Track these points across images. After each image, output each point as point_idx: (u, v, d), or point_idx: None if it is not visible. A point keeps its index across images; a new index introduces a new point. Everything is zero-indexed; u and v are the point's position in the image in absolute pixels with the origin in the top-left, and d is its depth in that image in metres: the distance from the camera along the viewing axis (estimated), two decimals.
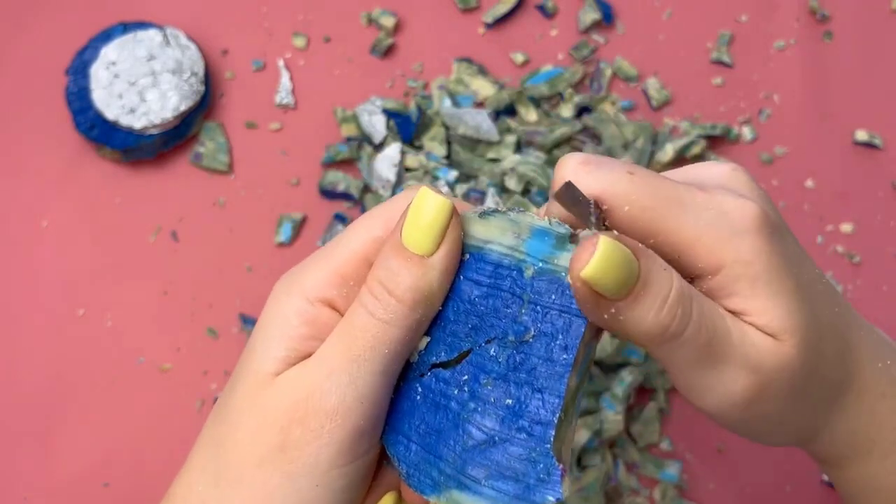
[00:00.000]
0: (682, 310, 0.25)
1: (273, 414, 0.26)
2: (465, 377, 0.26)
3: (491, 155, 0.54)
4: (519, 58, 0.57)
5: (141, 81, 0.52)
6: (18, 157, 0.54)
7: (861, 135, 0.56)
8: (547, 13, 0.58)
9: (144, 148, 0.53)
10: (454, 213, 0.26)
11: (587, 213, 0.25)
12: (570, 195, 0.25)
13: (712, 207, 0.26)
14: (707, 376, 0.27)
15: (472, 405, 0.26)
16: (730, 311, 0.27)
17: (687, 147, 0.55)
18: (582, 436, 0.50)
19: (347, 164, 0.55)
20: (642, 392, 0.52)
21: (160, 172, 0.54)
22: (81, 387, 0.51)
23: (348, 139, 0.55)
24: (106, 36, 0.53)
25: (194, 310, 0.52)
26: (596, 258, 0.23)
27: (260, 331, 0.28)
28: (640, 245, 0.25)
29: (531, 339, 0.26)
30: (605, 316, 0.25)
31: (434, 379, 0.27)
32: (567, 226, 0.26)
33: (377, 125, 0.54)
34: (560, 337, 0.25)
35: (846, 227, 0.55)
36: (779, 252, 0.26)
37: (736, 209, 0.26)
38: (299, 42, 0.57)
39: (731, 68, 0.58)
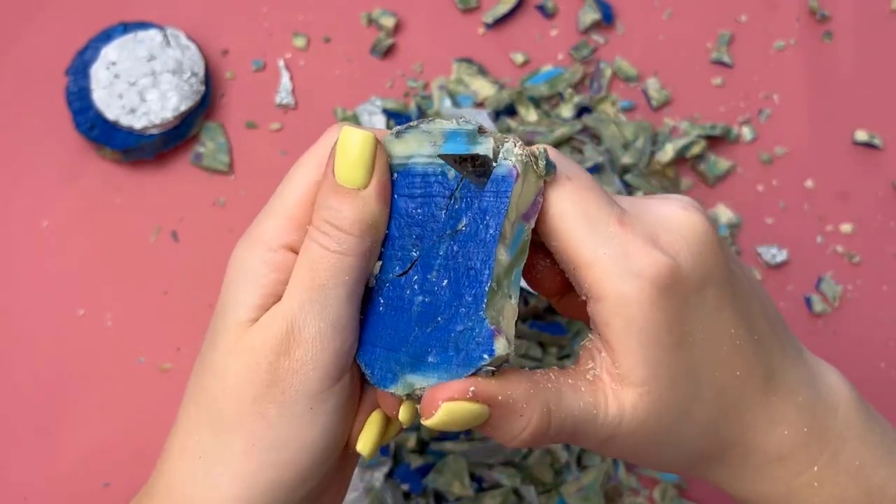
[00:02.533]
0: (532, 440, 0.27)
1: (259, 353, 0.28)
2: (416, 277, 0.29)
3: None
4: (519, 58, 0.57)
5: (141, 81, 0.52)
6: (18, 158, 0.54)
7: (861, 135, 0.56)
8: (547, 13, 0.58)
9: (144, 148, 0.53)
10: (377, 143, 0.28)
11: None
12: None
13: (618, 243, 0.27)
14: (583, 441, 0.29)
15: (420, 298, 0.28)
16: (605, 344, 0.28)
17: (687, 147, 0.55)
18: None
19: None
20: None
21: (160, 172, 0.54)
22: (81, 387, 0.51)
23: None
24: (106, 36, 0.54)
25: (194, 310, 0.52)
26: (436, 418, 0.26)
27: (230, 287, 0.29)
28: (497, 396, 0.27)
29: (464, 228, 0.28)
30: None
31: (391, 287, 0.29)
32: (473, 121, 0.28)
33: (377, 125, 0.54)
34: (486, 217, 0.27)
35: (846, 227, 0.55)
36: (668, 309, 0.27)
37: (641, 252, 0.27)
38: (299, 42, 0.57)
39: (731, 68, 0.58)
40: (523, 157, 0.27)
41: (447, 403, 0.26)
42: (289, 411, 0.27)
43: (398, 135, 0.29)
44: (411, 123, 0.29)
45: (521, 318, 0.51)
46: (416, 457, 0.49)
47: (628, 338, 0.27)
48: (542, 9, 0.58)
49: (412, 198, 0.29)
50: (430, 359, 0.28)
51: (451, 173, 0.28)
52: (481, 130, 0.28)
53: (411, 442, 0.49)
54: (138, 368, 0.51)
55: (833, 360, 0.53)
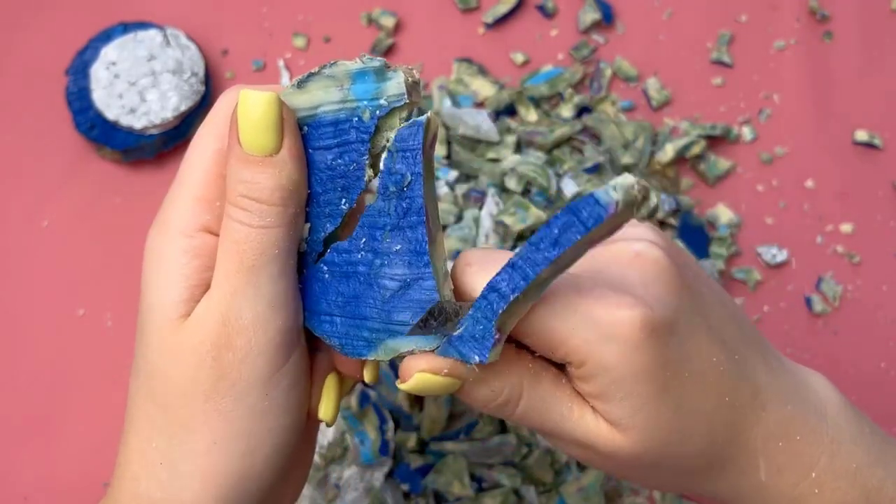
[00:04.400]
0: (502, 411, 0.28)
1: (200, 350, 0.26)
2: (363, 240, 0.27)
3: (491, 155, 0.54)
4: (519, 58, 0.57)
5: (141, 81, 0.52)
6: (18, 158, 0.54)
7: (861, 135, 0.56)
8: (547, 13, 0.58)
9: (145, 148, 0.53)
10: (280, 101, 0.26)
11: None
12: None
13: (581, 312, 0.26)
14: (549, 438, 0.30)
15: (377, 262, 0.27)
16: (587, 393, 0.28)
17: (687, 147, 0.55)
18: None
19: None
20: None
21: (160, 172, 0.54)
22: (81, 387, 0.51)
23: None
24: (106, 36, 0.54)
25: None
26: (408, 384, 0.27)
27: (151, 283, 0.27)
28: (469, 378, 0.27)
29: (408, 185, 0.27)
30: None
31: (334, 253, 0.28)
32: (378, 57, 0.27)
33: None
34: (412, 163, 0.27)
35: (846, 227, 0.55)
36: (647, 359, 0.27)
37: (606, 315, 0.26)
38: (299, 42, 0.57)
39: (731, 68, 0.58)
40: (409, 85, 0.27)
41: (421, 374, 0.26)
42: (243, 402, 0.26)
43: (300, 85, 0.27)
44: (312, 70, 0.27)
45: None
46: (416, 457, 0.49)
47: (613, 394, 0.27)
48: (542, 9, 0.58)
49: (328, 149, 0.27)
50: (409, 321, 0.27)
51: (367, 114, 0.26)
52: (387, 66, 0.26)
53: (411, 442, 0.49)
54: None
55: (833, 360, 0.53)
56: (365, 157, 0.27)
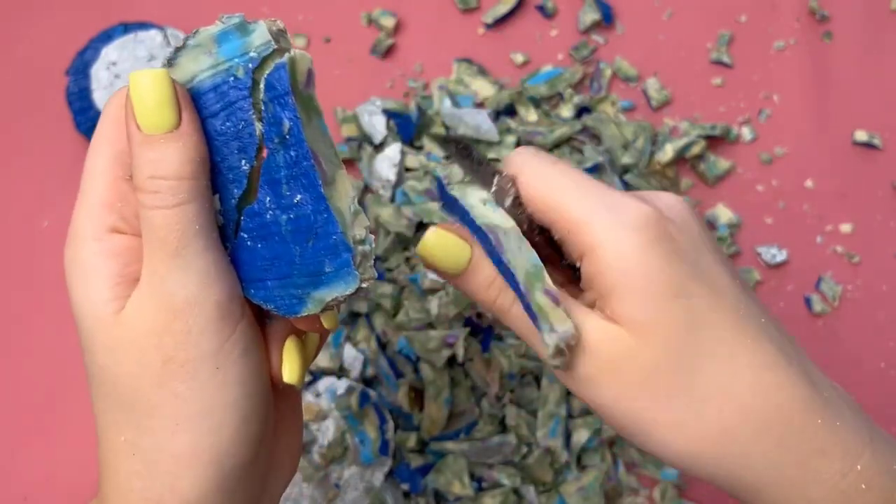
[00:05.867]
0: (505, 293, 0.30)
1: (141, 340, 0.26)
2: (268, 198, 0.27)
3: (491, 155, 0.54)
4: (519, 58, 0.57)
5: None
6: (19, 158, 0.54)
7: (860, 135, 0.56)
8: (547, 13, 0.58)
9: None
10: (170, 76, 0.26)
11: (485, 173, 0.31)
12: (462, 148, 0.31)
13: (609, 201, 0.29)
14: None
15: (284, 217, 0.27)
16: (598, 295, 0.29)
17: (687, 147, 0.55)
18: (582, 435, 0.50)
19: (347, 164, 0.55)
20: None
21: None
22: (82, 386, 0.51)
23: (348, 139, 0.55)
24: (106, 36, 0.54)
25: None
26: (423, 241, 0.30)
27: (76, 292, 0.28)
28: (473, 238, 0.30)
29: (288, 131, 0.26)
30: (447, 279, 0.31)
31: (247, 218, 0.28)
32: (236, 14, 0.27)
33: (377, 125, 0.54)
34: (285, 109, 0.26)
35: (846, 228, 0.55)
36: (660, 257, 0.28)
37: (631, 208, 0.28)
38: (299, 42, 0.57)
39: (730, 68, 0.58)
40: (275, 33, 0.27)
41: (438, 229, 0.30)
42: (196, 381, 0.26)
43: (171, 62, 0.27)
44: (177, 45, 0.27)
45: None
46: (416, 457, 0.49)
47: (624, 285, 0.28)
48: (542, 9, 0.58)
49: (215, 116, 0.27)
50: (326, 269, 0.27)
51: (241, 70, 0.26)
52: (246, 20, 0.27)
53: (411, 442, 0.49)
54: None
55: (833, 360, 0.53)
56: (251, 113, 0.27)
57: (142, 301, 0.27)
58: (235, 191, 0.28)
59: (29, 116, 0.55)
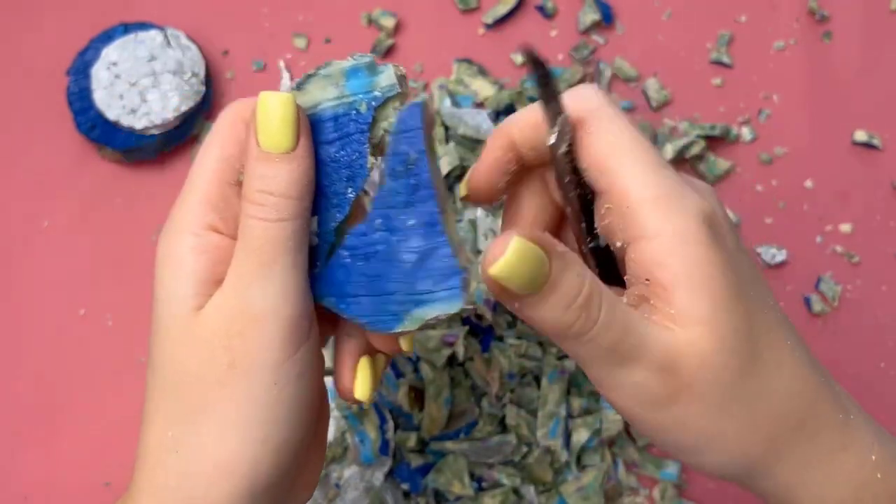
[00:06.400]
0: (587, 313, 0.26)
1: (213, 340, 0.27)
2: (378, 220, 0.29)
3: None
4: (519, 58, 0.57)
5: (142, 82, 0.52)
6: (19, 158, 0.54)
7: (860, 135, 0.56)
8: (547, 14, 0.58)
9: (145, 148, 0.53)
10: (296, 102, 0.28)
11: (552, 109, 0.28)
12: (537, 66, 0.28)
13: (671, 183, 0.27)
14: (617, 374, 0.27)
15: (394, 238, 0.29)
16: (657, 287, 0.27)
17: (687, 147, 0.55)
18: (582, 435, 0.50)
19: None
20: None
21: (161, 173, 0.55)
22: (82, 386, 0.51)
23: None
24: (107, 36, 0.54)
25: None
26: (505, 258, 0.25)
27: (164, 281, 0.29)
28: (556, 246, 0.26)
29: (413, 162, 0.29)
30: (515, 305, 0.26)
31: (353, 237, 0.30)
32: (367, 54, 0.29)
33: None
34: (411, 143, 0.28)
35: (845, 228, 0.55)
36: (722, 251, 0.27)
37: (693, 198, 0.27)
38: (300, 42, 0.57)
39: (730, 68, 0.58)
40: (399, 77, 0.29)
41: (519, 239, 0.25)
42: (253, 391, 0.27)
43: (299, 87, 0.29)
44: (308, 72, 0.29)
45: (521, 319, 0.51)
46: (416, 456, 0.49)
47: (689, 275, 0.26)
48: (542, 9, 0.58)
49: (331, 143, 0.29)
50: (433, 289, 0.29)
51: (364, 106, 0.29)
52: (375, 61, 0.29)
53: (411, 441, 0.49)
54: (139, 368, 0.51)
55: (833, 360, 0.53)
56: (366, 146, 0.29)
57: (224, 302, 0.28)
58: (338, 215, 0.30)
59: (29, 116, 0.55)
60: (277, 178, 0.27)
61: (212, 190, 0.29)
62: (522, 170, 0.32)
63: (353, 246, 0.30)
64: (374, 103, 0.29)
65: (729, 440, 0.27)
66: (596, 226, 0.29)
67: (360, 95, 0.29)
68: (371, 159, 0.29)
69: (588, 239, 0.30)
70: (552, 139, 0.28)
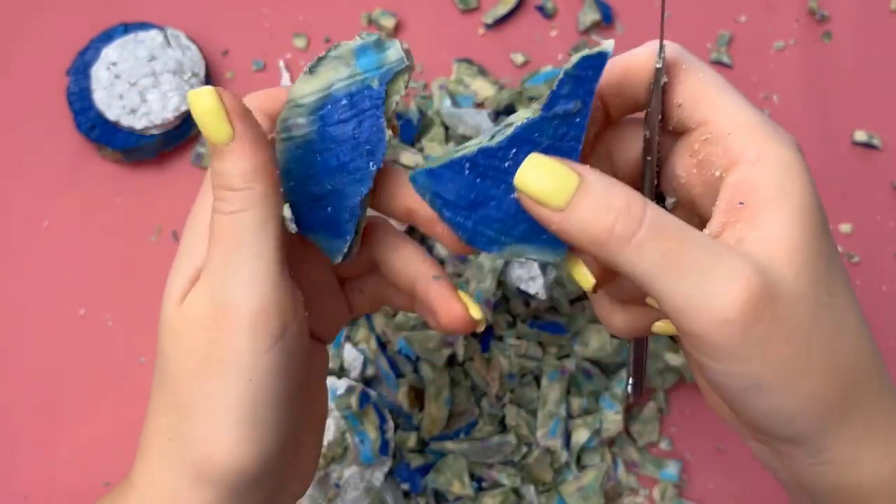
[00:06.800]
0: (629, 213, 0.25)
1: (191, 330, 0.28)
2: (513, 150, 0.29)
3: None
4: (519, 58, 0.57)
5: (142, 82, 0.52)
6: (20, 158, 0.54)
7: (860, 135, 0.56)
8: (547, 14, 0.58)
9: (145, 148, 0.53)
10: (218, 92, 0.27)
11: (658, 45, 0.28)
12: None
13: (762, 115, 0.27)
14: (683, 287, 0.25)
15: (510, 175, 0.28)
16: (748, 211, 0.26)
17: None
18: (581, 435, 0.50)
19: None
20: (642, 392, 0.52)
21: (161, 173, 0.55)
22: (82, 386, 0.51)
23: None
24: (107, 37, 0.54)
25: None
26: (521, 167, 0.27)
27: (170, 273, 0.30)
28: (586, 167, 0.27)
29: (578, 111, 0.28)
30: (553, 226, 0.26)
31: (481, 155, 0.29)
32: (373, 33, 0.30)
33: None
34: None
35: (845, 228, 0.55)
36: (810, 179, 0.27)
37: (785, 132, 0.27)
38: (300, 42, 0.57)
39: (730, 69, 0.58)
40: (405, 51, 0.30)
41: (534, 155, 0.27)
42: (230, 383, 0.27)
43: (311, 71, 0.30)
44: (319, 56, 0.30)
45: (522, 319, 0.51)
46: (416, 456, 0.49)
47: (789, 199, 0.26)
48: (542, 9, 0.58)
49: (347, 121, 0.30)
50: (536, 231, 0.29)
51: (376, 82, 0.30)
52: (382, 38, 0.30)
53: (411, 441, 0.49)
54: (139, 368, 0.51)
55: None
56: (382, 120, 0.30)
57: (198, 294, 0.28)
58: (363, 189, 0.30)
59: (29, 116, 0.55)
60: (227, 172, 0.27)
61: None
62: (597, 133, 0.32)
63: (477, 162, 0.29)
64: (385, 77, 0.30)
65: (814, 375, 0.25)
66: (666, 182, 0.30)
67: (372, 72, 0.30)
68: (388, 132, 0.30)
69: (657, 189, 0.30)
70: (659, 63, 0.29)
